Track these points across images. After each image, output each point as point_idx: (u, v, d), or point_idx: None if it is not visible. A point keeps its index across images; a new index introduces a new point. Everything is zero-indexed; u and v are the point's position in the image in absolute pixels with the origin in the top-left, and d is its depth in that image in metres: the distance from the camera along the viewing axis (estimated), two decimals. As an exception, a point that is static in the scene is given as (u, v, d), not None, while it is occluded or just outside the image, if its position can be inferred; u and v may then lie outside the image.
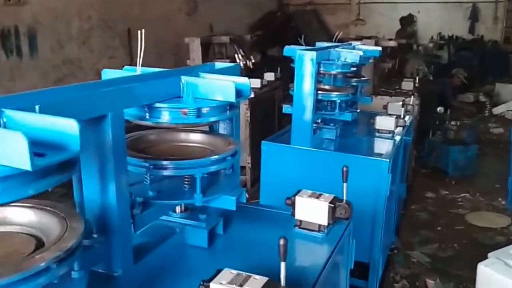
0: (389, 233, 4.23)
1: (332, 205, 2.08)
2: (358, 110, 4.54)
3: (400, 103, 4.61)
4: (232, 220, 2.11)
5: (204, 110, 1.82)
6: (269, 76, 6.23)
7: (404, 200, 5.22)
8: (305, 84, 3.40)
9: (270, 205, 2.40)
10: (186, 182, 1.82)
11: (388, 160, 3.32)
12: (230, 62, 5.96)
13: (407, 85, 6.63)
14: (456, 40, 14.38)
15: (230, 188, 1.93)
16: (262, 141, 3.65)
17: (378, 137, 4.02)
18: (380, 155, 3.45)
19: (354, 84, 4.50)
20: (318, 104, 3.69)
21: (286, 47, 3.80)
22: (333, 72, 3.71)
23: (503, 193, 5.81)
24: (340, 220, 2.12)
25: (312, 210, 2.09)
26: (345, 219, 2.13)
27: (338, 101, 3.70)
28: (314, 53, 3.35)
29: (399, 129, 4.14)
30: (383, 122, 4.06)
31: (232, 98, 1.83)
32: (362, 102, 4.67)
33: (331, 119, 3.87)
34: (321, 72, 3.67)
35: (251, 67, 6.06)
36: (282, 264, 1.38)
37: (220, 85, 1.85)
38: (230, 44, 5.94)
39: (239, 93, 1.91)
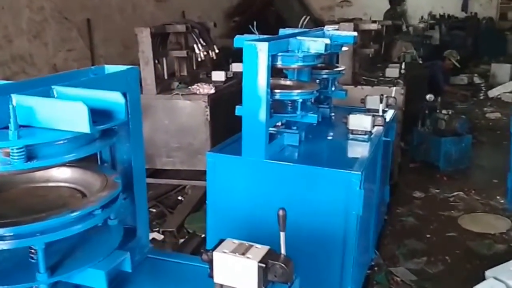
0: (367, 250, 3.66)
1: (263, 265, 1.49)
2: (329, 107, 3.98)
3: (378, 96, 4.04)
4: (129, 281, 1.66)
5: (41, 148, 1.24)
6: (237, 67, 5.63)
7: (387, 203, 4.65)
8: (256, 82, 2.80)
9: (184, 257, 1.84)
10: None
11: (359, 172, 2.74)
12: (189, 53, 5.34)
13: (392, 71, 6.03)
14: (448, 19, 13.73)
15: (102, 255, 1.50)
16: (207, 152, 3.06)
17: (352, 139, 3.45)
18: (350, 165, 2.86)
19: (324, 76, 3.91)
20: (276, 105, 3.12)
21: (237, 37, 3.19)
22: (294, 66, 3.10)
23: (502, 189, 5.26)
24: (277, 284, 1.54)
25: (236, 271, 1.50)
26: (282, 283, 1.53)
27: (300, 100, 3.10)
28: (266, 43, 2.74)
29: (378, 128, 3.56)
30: (358, 122, 3.48)
31: (84, 127, 1.23)
32: (335, 97, 4.08)
33: (294, 122, 3.28)
34: (279, 66, 3.07)
35: (214, 58, 5.44)
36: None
37: (64, 108, 1.25)
38: (189, 33, 5.31)
39: (105, 114, 1.34)
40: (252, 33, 3.18)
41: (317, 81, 3.94)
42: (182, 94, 4.97)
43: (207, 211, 3.08)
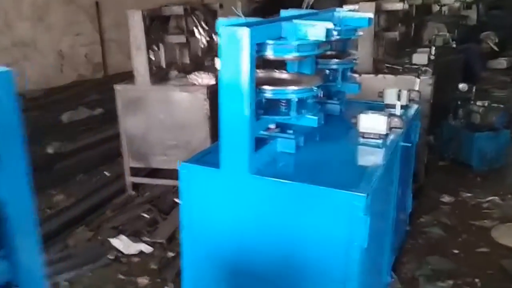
0: (379, 275, 3.09)
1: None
2: (340, 103, 3.39)
3: (396, 90, 3.42)
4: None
5: None
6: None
7: (410, 212, 4.05)
8: (237, 77, 2.24)
9: None
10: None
11: (364, 194, 2.17)
12: (188, 38, 4.79)
13: (420, 57, 5.34)
14: (486, -3, 12.75)
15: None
16: (181, 162, 2.52)
17: (363, 144, 2.88)
18: (355, 183, 2.29)
19: (334, 67, 3.31)
20: (269, 104, 2.57)
21: (219, 20, 2.64)
22: (288, 56, 2.52)
23: (543, 195, 4.60)
24: None
25: None
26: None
27: (296, 99, 2.53)
28: (247, 29, 2.18)
29: (395, 131, 2.96)
30: (370, 123, 2.90)
31: None
32: (346, 91, 3.48)
33: (292, 124, 2.72)
34: (269, 57, 2.50)
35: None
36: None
37: None
38: (190, 16, 4.75)
39: None
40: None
41: (327, 72, 3.38)
42: (179, 85, 4.44)
43: (180, 235, 2.56)
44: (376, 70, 4.90)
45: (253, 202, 2.40)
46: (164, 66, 4.78)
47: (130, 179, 4.68)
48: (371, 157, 2.74)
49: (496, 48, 8.31)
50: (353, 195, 2.18)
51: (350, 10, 3.49)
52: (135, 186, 4.74)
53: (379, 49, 5.39)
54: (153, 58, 4.65)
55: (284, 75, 2.84)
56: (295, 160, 2.66)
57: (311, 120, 2.63)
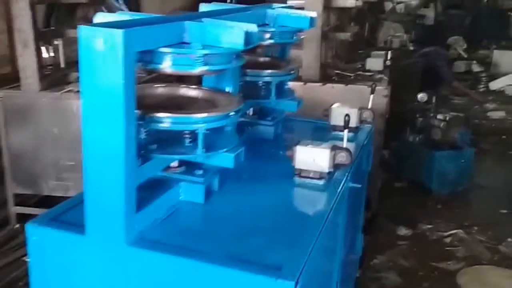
0: None
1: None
2: (274, 125, 2.75)
3: (344, 110, 2.83)
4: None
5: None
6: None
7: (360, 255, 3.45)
8: (105, 101, 1.54)
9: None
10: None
11: (292, 282, 1.51)
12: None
13: (375, 63, 4.80)
14: (444, -5, 12.49)
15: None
16: (30, 224, 1.79)
17: (299, 186, 2.24)
18: (279, 261, 1.63)
19: (267, 79, 2.65)
20: (165, 136, 1.89)
21: (97, 14, 1.95)
22: (192, 71, 1.83)
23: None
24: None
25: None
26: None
27: (203, 130, 1.85)
28: (119, 32, 1.47)
29: (342, 169, 2.33)
30: (308, 158, 2.25)
31: None
32: (282, 109, 2.84)
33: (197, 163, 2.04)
34: (165, 71, 1.81)
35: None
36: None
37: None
38: (100, 5, 4.01)
39: None
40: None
41: (259, 84, 2.73)
42: (76, 91, 3.66)
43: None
44: (324, 78, 4.29)
45: (132, 284, 1.70)
46: (63, 66, 4.00)
47: (14, 209, 3.88)
48: (309, 207, 2.11)
49: (465, 55, 7.84)
50: (274, 283, 1.52)
51: (289, 7, 2.86)
52: (22, 217, 3.90)
53: (328, 52, 4.79)
54: (49, 55, 3.89)
55: (192, 92, 2.15)
56: (203, 215, 1.98)
57: (225, 158, 1.96)
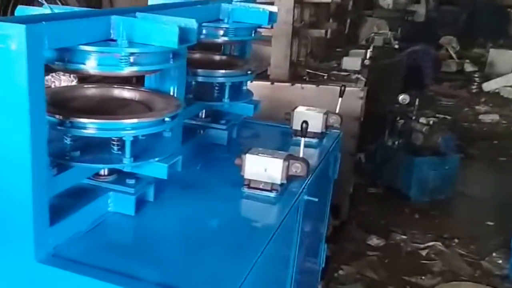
0: None
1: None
2: (227, 129, 2.67)
3: (310, 112, 2.76)
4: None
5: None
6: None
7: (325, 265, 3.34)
8: (10, 100, 1.44)
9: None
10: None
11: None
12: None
13: (351, 62, 4.73)
14: (438, -10, 12.45)
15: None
16: None
17: (248, 197, 2.16)
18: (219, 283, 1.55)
19: (220, 80, 2.55)
20: (91, 142, 1.80)
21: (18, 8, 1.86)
22: (117, 73, 1.73)
23: (500, 239, 4.04)
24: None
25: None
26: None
27: (130, 137, 1.75)
28: (21, 28, 1.37)
29: (299, 180, 2.24)
30: (258, 168, 2.16)
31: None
32: (237, 112, 2.76)
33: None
34: (86, 71, 1.72)
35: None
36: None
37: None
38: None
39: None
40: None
41: (213, 85, 2.63)
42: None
43: None
44: (294, 77, 4.20)
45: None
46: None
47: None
48: (254, 222, 2.02)
49: (456, 58, 7.77)
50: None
51: (252, 1, 2.77)
52: None
53: (301, 50, 4.70)
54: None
55: (127, 93, 2.05)
56: (132, 228, 1.88)
57: (158, 168, 1.86)
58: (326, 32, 4.76)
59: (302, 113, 2.81)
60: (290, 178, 2.17)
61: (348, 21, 6.57)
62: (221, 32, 2.48)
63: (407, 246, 4.13)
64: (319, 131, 2.78)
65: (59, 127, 1.70)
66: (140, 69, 1.75)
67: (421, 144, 4.85)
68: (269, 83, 4.05)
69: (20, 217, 1.52)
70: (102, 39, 1.71)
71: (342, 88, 2.89)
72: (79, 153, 1.76)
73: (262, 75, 4.22)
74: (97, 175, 1.93)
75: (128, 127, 1.73)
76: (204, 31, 2.48)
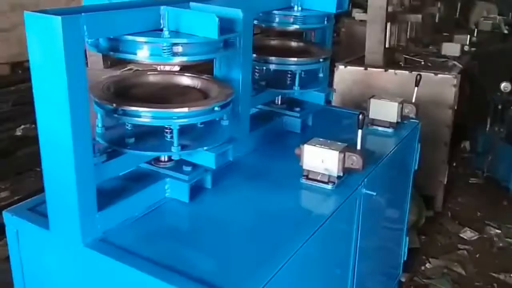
0: None
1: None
2: (301, 117, 2.53)
3: (385, 100, 2.56)
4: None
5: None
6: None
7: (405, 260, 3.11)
8: (53, 91, 1.43)
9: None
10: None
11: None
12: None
13: (451, 48, 4.35)
14: None
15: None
16: (7, 211, 1.74)
17: (306, 188, 2.04)
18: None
19: (291, 68, 2.42)
20: (145, 129, 1.77)
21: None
22: (165, 62, 1.68)
23: None
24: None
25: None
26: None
27: (176, 126, 1.69)
28: (58, 19, 1.34)
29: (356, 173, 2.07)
30: (316, 159, 2.03)
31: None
32: (308, 100, 2.61)
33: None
34: (132, 60, 1.68)
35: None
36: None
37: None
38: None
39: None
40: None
41: (287, 72, 2.51)
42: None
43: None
44: (389, 63, 3.94)
45: (90, 286, 1.60)
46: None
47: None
48: (307, 215, 1.88)
49: None
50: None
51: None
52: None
53: (402, 35, 4.40)
54: None
55: (188, 80, 1.99)
56: (184, 216, 1.83)
57: (206, 157, 1.79)
58: (425, 16, 4.41)
59: (377, 102, 2.61)
60: (345, 171, 2.01)
61: (459, 5, 6.08)
62: (291, 19, 2.35)
63: (500, 241, 3.74)
64: (394, 120, 2.57)
65: (113, 115, 1.68)
66: (187, 59, 1.69)
67: (522, 134, 4.37)
68: (362, 68, 3.83)
69: (67, 202, 1.53)
70: (152, 29, 1.66)
71: (418, 77, 2.64)
72: (133, 140, 1.74)
73: (360, 60, 4.02)
74: (158, 160, 1.91)
75: (174, 116, 1.67)
76: (276, 19, 2.37)
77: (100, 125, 1.75)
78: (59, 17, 1.34)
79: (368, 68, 3.82)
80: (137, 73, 2.04)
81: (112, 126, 1.81)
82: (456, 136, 4.40)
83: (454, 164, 4.74)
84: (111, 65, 3.95)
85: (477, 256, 3.56)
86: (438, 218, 3.94)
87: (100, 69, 3.89)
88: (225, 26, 1.71)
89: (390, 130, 2.59)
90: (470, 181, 4.63)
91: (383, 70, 3.82)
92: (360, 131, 2.06)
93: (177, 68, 2.35)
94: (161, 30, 1.66)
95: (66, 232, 1.57)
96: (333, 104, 3.57)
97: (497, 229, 3.87)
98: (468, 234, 3.82)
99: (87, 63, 3.71)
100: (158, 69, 2.02)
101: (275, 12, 2.35)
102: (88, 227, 1.56)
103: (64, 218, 1.56)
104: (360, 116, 2.05)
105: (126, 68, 3.69)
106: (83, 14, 1.42)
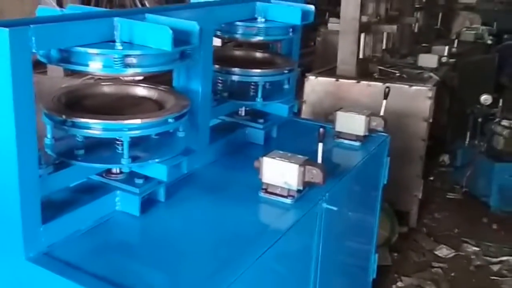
0: None
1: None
2: (264, 129, 2.61)
3: (352, 112, 2.65)
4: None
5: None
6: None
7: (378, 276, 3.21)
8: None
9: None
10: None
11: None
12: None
13: (428, 59, 4.48)
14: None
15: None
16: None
17: (264, 202, 2.11)
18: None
19: (255, 80, 2.50)
20: (96, 141, 1.83)
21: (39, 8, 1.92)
22: (114, 74, 1.75)
23: None
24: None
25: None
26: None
27: (127, 138, 1.76)
28: (5, 32, 1.41)
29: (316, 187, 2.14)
30: (275, 172, 2.09)
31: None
32: (271, 111, 2.69)
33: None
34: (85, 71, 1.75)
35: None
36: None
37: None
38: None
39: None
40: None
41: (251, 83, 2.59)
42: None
43: None
44: (362, 74, 4.05)
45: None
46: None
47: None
48: (262, 229, 1.95)
49: None
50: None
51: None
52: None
53: (377, 46, 4.53)
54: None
55: (142, 91, 2.06)
56: (134, 230, 1.89)
57: (158, 169, 1.86)
58: (403, 27, 4.55)
59: (344, 115, 2.70)
60: (308, 184, 2.09)
61: (440, 15, 6.25)
62: (254, 30, 2.44)
63: (478, 259, 3.84)
64: (362, 134, 2.66)
65: (62, 126, 1.74)
66: (141, 70, 1.76)
67: (502, 149, 4.50)
68: (334, 79, 3.93)
69: (9, 213, 1.57)
70: (105, 41, 1.73)
71: (386, 89, 2.73)
72: (83, 152, 1.80)
73: (333, 71, 4.13)
74: (109, 172, 1.96)
75: (125, 128, 1.74)
76: (238, 30, 2.46)
77: (49, 136, 1.81)
78: (7, 29, 1.40)
79: (340, 80, 3.92)
80: (93, 84, 2.10)
81: (63, 137, 1.88)
82: (434, 149, 4.53)
83: (432, 178, 4.86)
84: (72, 73, 3.99)
85: (453, 274, 3.66)
86: (413, 234, 4.03)
87: (59, 76, 3.94)
88: (181, 38, 1.79)
89: (357, 143, 2.68)
90: (448, 196, 4.75)
91: (355, 81, 3.92)
92: (321, 145, 2.14)
93: (140, 78, 2.43)
94: (112, 41, 1.74)
95: (8, 244, 1.62)
96: (303, 115, 3.67)
97: (475, 246, 3.98)
98: (443, 251, 3.91)
99: (46, 71, 3.77)
100: (121, 79, 2.09)
101: (238, 23, 2.43)
102: (31, 240, 1.61)
103: (6, 230, 1.61)
104: (321, 130, 2.13)
105: (87, 77, 3.74)
106: (31, 26, 1.48)
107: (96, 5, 4.27)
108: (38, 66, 3.23)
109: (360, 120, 2.68)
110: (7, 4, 4.84)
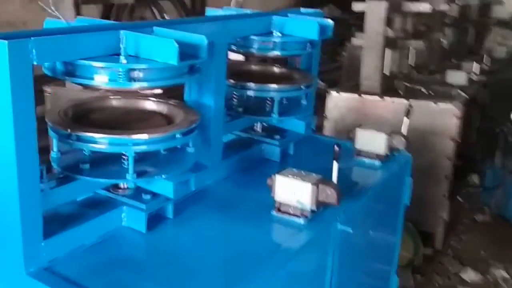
0: None
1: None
2: (280, 146, 2.56)
3: (372, 130, 2.57)
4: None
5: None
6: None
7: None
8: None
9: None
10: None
11: None
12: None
13: (456, 76, 4.36)
14: None
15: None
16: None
17: (277, 221, 2.04)
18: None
19: (271, 95, 2.45)
20: (101, 156, 1.81)
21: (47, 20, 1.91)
22: (121, 88, 1.72)
23: None
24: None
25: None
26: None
27: (132, 153, 1.73)
28: (4, 43, 1.40)
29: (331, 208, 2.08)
30: (288, 191, 2.04)
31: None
32: (288, 128, 2.64)
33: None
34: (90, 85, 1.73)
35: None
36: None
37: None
38: (142, 5, 4.03)
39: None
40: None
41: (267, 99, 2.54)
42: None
43: None
44: (387, 90, 3.96)
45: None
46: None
47: None
48: (273, 250, 1.89)
49: None
50: None
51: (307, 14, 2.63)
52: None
53: (404, 62, 4.43)
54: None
55: (151, 105, 2.04)
56: (139, 247, 1.85)
57: (164, 186, 1.83)
58: (431, 42, 4.46)
59: (364, 132, 2.63)
60: (323, 204, 2.02)
61: (472, 31, 6.13)
62: (270, 45, 2.39)
63: (506, 284, 3.70)
64: (382, 152, 2.58)
65: (67, 140, 1.72)
66: (148, 84, 1.73)
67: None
68: (357, 95, 3.86)
69: (10, 227, 1.56)
70: (111, 54, 1.71)
71: (409, 107, 2.66)
72: (88, 166, 1.78)
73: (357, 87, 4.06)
74: (116, 187, 1.93)
75: (130, 143, 1.71)
76: (253, 44, 2.42)
77: (55, 149, 1.80)
78: (6, 42, 1.39)
79: (363, 95, 3.85)
80: (102, 97, 2.09)
81: (69, 151, 1.86)
82: (463, 168, 4.40)
83: (460, 199, 4.72)
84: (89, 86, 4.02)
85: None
86: (438, 256, 3.91)
87: (77, 89, 3.94)
88: (189, 51, 1.76)
89: (377, 162, 2.60)
90: (476, 218, 4.60)
91: (379, 97, 3.85)
92: (335, 163, 2.08)
93: (159, 91, 2.42)
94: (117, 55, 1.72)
95: (9, 258, 1.60)
96: (324, 132, 3.61)
97: (504, 271, 3.83)
98: (470, 275, 3.78)
99: (65, 83, 3.80)
100: (134, 92, 2.07)
101: (254, 37, 2.39)
102: (32, 255, 1.58)
103: (6, 244, 1.59)
104: (335, 148, 2.07)
105: (103, 90, 3.76)
106: (32, 38, 1.47)
107: (117, 17, 4.28)
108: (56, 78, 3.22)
109: (380, 138, 2.60)
110: (30, 15, 4.92)
